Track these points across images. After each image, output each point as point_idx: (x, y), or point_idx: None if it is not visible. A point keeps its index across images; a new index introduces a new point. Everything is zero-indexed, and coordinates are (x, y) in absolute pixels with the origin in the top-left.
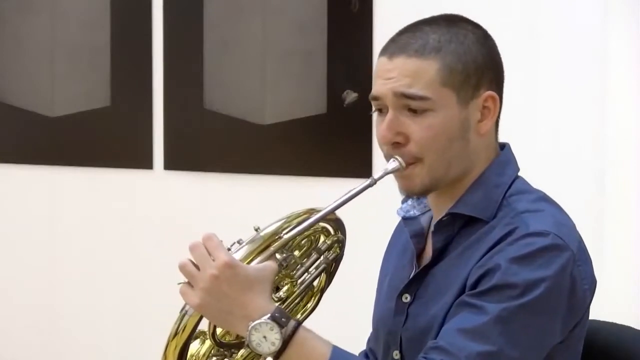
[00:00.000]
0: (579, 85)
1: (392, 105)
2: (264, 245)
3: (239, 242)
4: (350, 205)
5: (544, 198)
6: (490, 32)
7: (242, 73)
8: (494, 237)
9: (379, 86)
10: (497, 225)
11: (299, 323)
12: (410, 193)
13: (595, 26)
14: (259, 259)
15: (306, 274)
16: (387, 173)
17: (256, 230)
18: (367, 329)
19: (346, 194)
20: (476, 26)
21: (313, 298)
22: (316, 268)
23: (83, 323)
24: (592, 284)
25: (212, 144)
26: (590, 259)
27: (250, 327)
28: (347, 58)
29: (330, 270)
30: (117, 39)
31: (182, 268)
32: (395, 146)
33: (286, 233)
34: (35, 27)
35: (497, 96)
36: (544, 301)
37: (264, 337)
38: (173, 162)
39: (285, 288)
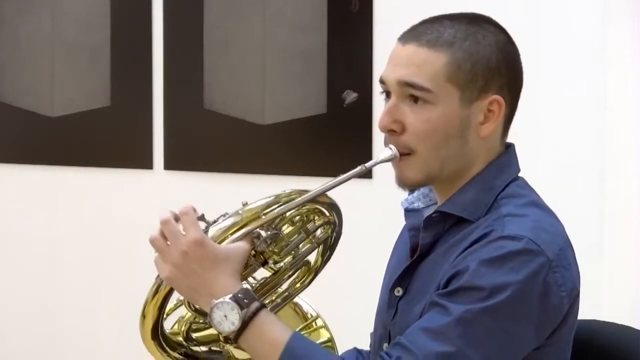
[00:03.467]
0: (579, 85)
1: (395, 92)
2: (242, 223)
3: (224, 215)
4: (353, 202)
5: (535, 203)
6: None
7: (242, 73)
8: (472, 238)
9: (387, 71)
10: (480, 226)
11: (262, 305)
12: (403, 185)
13: (595, 27)
14: (236, 235)
15: (294, 250)
16: (379, 162)
17: (244, 205)
18: (366, 323)
19: (336, 178)
20: (500, 30)
21: (308, 274)
22: (307, 245)
23: (82, 323)
24: (572, 290)
25: (212, 144)
26: (574, 265)
27: (212, 305)
28: (347, 58)
29: (324, 252)
30: (117, 39)
31: (153, 242)
32: (391, 134)
33: (267, 213)
34: (35, 27)
35: (503, 101)
36: (510, 305)
37: (225, 316)
38: (173, 162)
39: (272, 262)
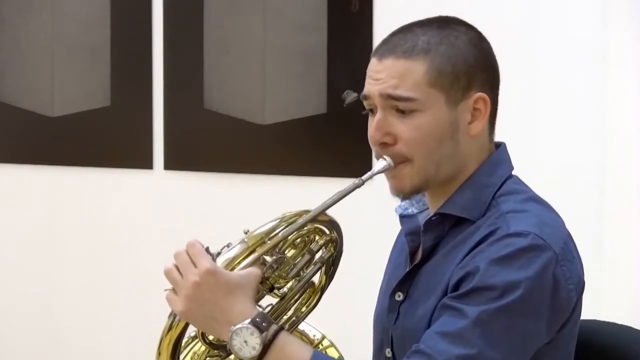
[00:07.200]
0: (580, 86)
1: (380, 105)
2: (250, 250)
3: (228, 246)
4: (350, 205)
5: (533, 198)
6: (489, 34)
7: (242, 73)
8: (477, 237)
9: (369, 86)
10: (482, 225)
11: (281, 328)
12: (400, 193)
13: (595, 27)
14: (244, 263)
15: (301, 272)
16: (375, 173)
17: (245, 233)
18: (364, 329)
19: (333, 195)
20: (470, 28)
21: (314, 295)
22: (312, 266)
23: (83, 322)
24: (579, 283)
25: (212, 144)
26: (578, 258)
27: (231, 331)
28: (347, 58)
29: (328, 269)
30: (117, 38)
31: (167, 274)
32: (383, 146)
33: (272, 237)
34: (35, 27)
35: (487, 98)
36: (524, 302)
37: (245, 341)
38: (173, 162)
39: (280, 286)
